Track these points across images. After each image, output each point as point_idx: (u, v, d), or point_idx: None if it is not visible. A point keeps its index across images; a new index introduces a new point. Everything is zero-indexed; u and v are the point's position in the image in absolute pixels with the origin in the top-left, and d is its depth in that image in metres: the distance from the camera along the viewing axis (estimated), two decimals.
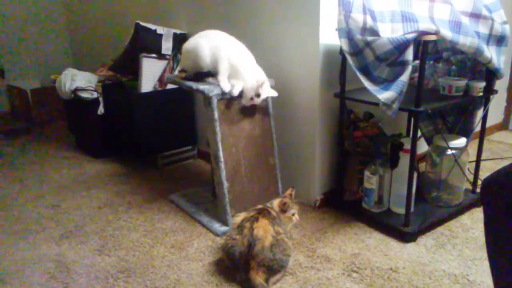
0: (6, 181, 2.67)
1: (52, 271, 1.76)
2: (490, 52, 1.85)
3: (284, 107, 2.23)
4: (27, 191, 2.52)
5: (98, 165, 2.89)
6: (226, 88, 1.88)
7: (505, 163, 2.51)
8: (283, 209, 1.76)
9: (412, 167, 1.84)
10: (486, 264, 1.70)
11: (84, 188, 2.54)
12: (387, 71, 1.76)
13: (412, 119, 1.89)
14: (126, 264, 1.79)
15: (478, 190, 2.21)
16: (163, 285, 1.65)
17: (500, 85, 2.82)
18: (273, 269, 1.59)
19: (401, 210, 1.95)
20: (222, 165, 1.95)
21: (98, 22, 3.79)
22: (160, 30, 2.62)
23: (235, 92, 1.88)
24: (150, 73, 2.67)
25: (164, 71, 2.69)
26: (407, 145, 1.90)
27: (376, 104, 1.77)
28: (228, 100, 1.93)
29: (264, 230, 1.61)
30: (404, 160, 1.92)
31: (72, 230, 2.08)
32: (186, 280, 1.68)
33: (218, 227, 2.01)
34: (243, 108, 1.95)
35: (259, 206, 1.76)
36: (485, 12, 1.84)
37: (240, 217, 1.72)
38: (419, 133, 2.26)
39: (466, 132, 2.18)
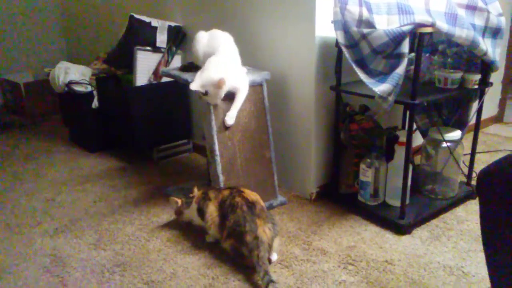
0: (0, 176, 2.65)
1: (47, 265, 1.76)
2: (486, 45, 1.85)
3: (280, 100, 2.22)
4: (21, 186, 2.50)
5: (93, 159, 2.87)
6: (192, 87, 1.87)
7: (500, 155, 2.52)
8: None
9: (408, 160, 1.84)
10: (480, 256, 1.71)
11: (79, 182, 2.52)
12: (383, 64, 1.75)
13: (408, 112, 1.89)
14: (121, 258, 1.79)
15: (473, 182, 2.22)
16: (159, 279, 1.65)
17: (495, 77, 2.81)
18: (274, 225, 1.70)
19: (397, 203, 1.96)
20: (218, 159, 1.94)
21: (92, 14, 3.75)
22: (154, 22, 2.60)
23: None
24: (145, 66, 2.65)
25: (159, 64, 2.67)
26: (403, 138, 1.91)
27: (372, 97, 1.76)
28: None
29: (253, 194, 1.74)
30: (400, 153, 1.92)
31: (67, 224, 2.07)
32: (182, 273, 1.68)
33: None
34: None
35: (226, 186, 1.88)
36: (481, 4, 1.84)
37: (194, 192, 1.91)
38: (415, 126, 2.26)
39: (461, 124, 2.18)
